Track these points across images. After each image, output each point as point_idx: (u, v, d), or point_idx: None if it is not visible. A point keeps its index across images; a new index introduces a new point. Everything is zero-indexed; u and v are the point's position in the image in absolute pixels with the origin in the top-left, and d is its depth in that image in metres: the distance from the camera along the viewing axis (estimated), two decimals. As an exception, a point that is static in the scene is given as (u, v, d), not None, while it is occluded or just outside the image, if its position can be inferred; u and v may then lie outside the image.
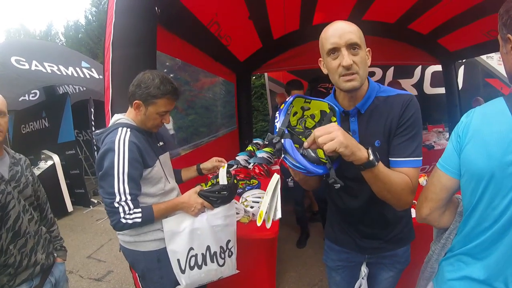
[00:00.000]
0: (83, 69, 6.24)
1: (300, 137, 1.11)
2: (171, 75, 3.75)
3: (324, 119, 1.16)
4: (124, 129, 1.47)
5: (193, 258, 1.59)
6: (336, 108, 1.16)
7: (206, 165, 1.87)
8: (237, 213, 2.21)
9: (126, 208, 1.40)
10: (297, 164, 1.00)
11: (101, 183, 1.43)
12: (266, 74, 7.16)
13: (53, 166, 5.56)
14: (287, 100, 1.11)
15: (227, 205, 1.65)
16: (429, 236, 1.31)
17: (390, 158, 1.16)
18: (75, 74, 6.01)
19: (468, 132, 0.91)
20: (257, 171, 3.43)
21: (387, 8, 3.75)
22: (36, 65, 5.56)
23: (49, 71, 5.65)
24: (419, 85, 7.07)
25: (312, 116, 1.18)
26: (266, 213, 1.57)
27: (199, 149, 3.77)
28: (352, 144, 0.96)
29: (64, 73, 5.86)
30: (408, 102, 1.15)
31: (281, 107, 1.08)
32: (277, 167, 3.76)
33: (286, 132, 1.01)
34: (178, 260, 1.57)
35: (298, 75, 6.59)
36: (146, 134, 1.58)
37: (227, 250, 1.70)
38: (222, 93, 5.16)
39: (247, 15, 3.31)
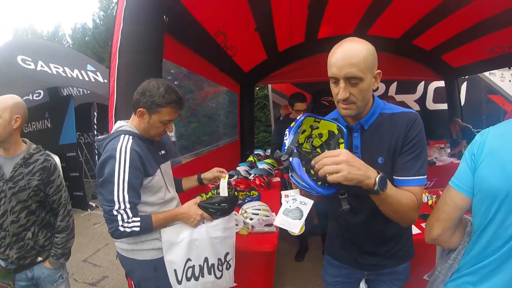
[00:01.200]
0: (88, 72, 6.26)
1: (308, 156, 1.12)
2: (175, 83, 3.79)
3: (332, 140, 1.16)
4: (126, 136, 1.46)
5: (190, 269, 1.57)
6: (345, 130, 1.16)
7: (207, 175, 1.85)
8: (236, 225, 2.20)
9: (125, 216, 1.38)
10: (303, 184, 1.00)
11: (101, 190, 1.43)
12: (269, 85, 7.22)
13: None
14: (298, 118, 1.12)
15: (226, 217, 1.64)
16: (429, 253, 1.31)
17: (395, 177, 1.16)
18: (80, 77, 6.03)
19: (483, 151, 0.92)
20: (257, 182, 3.42)
21: (392, 24, 3.79)
22: (42, 66, 5.56)
23: (55, 72, 5.66)
24: (421, 101, 7.10)
25: (320, 135, 1.18)
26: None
27: (200, 158, 3.78)
28: (359, 175, 0.95)
29: (69, 75, 5.87)
30: (413, 121, 1.16)
31: (291, 125, 1.09)
32: (278, 179, 3.76)
33: (295, 151, 1.02)
34: (175, 271, 1.55)
35: (301, 88, 6.62)
36: (148, 142, 1.57)
37: (225, 263, 1.69)
38: (225, 103, 5.18)
39: (253, 26, 3.35)
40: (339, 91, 1.10)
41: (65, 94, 7.03)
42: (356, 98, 1.11)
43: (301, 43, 4.45)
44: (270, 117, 7.93)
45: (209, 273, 1.61)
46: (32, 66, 5.39)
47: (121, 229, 1.39)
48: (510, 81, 7.74)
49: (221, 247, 1.65)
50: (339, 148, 1.13)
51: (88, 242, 4.53)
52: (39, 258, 1.73)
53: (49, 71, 5.60)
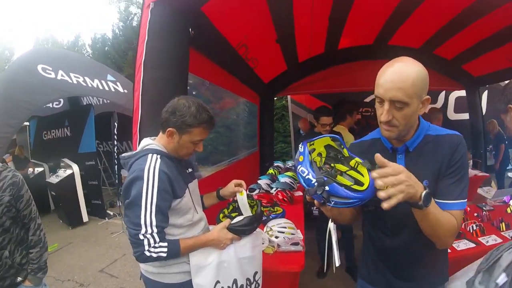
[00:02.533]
0: (108, 82, 6.34)
1: (336, 179, 1.08)
2: (194, 93, 3.81)
3: (331, 153, 1.15)
4: (155, 156, 1.40)
5: None
6: (338, 137, 1.14)
7: (225, 192, 1.77)
8: (263, 243, 2.15)
9: (152, 241, 1.33)
10: (351, 200, 0.98)
11: (127, 212, 1.37)
12: (289, 96, 7.18)
13: (71, 175, 5.65)
14: (301, 150, 1.08)
15: (254, 235, 1.60)
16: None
17: (436, 200, 1.11)
18: (100, 87, 6.11)
19: None
20: (280, 197, 3.35)
21: (413, 34, 3.75)
22: (62, 75, 5.65)
23: (75, 82, 5.75)
24: (443, 111, 6.95)
25: (319, 155, 1.16)
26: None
27: (221, 172, 3.76)
28: (413, 193, 0.93)
29: (90, 85, 5.95)
30: (459, 144, 1.14)
31: (300, 159, 1.06)
32: (300, 193, 3.70)
33: (325, 179, 0.98)
34: None
35: (322, 99, 6.58)
36: (176, 161, 1.52)
37: (254, 282, 1.64)
38: (244, 114, 5.19)
39: (274, 38, 3.34)
40: (383, 112, 1.08)
41: (85, 104, 7.18)
42: (399, 122, 1.09)
43: (321, 54, 4.42)
44: (288, 128, 7.88)
45: None
46: (53, 75, 5.49)
47: (147, 253, 1.33)
48: None
49: (250, 267, 1.61)
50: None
51: (105, 252, 4.55)
52: (19, 279, 1.72)
53: (70, 81, 5.70)
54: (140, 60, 1.91)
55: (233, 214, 1.60)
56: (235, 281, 1.55)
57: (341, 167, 1.15)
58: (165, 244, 1.36)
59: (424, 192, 0.95)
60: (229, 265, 1.54)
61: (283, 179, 3.84)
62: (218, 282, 1.52)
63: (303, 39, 3.66)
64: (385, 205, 0.89)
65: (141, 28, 1.92)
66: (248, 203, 1.66)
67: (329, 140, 1.14)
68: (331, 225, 1.18)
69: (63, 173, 5.76)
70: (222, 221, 1.57)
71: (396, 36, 3.83)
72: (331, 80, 4.91)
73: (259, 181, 3.81)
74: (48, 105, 6.60)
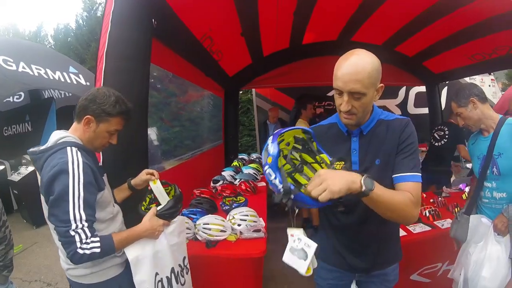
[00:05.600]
0: (71, 74, 6.11)
1: (294, 174, 1.20)
2: (158, 86, 3.75)
3: (300, 144, 1.23)
4: (74, 148, 1.34)
5: (159, 284, 1.52)
6: (311, 130, 1.21)
7: (137, 181, 1.69)
8: (225, 231, 2.20)
9: (83, 236, 1.26)
10: (309, 205, 1.04)
11: (53, 210, 1.28)
12: (253, 90, 7.19)
13: (34, 172, 5.36)
14: (268, 148, 1.07)
15: (179, 221, 1.65)
16: (414, 254, 1.38)
17: (393, 176, 1.24)
18: (62, 79, 5.87)
19: None
20: (243, 187, 3.43)
21: (375, 31, 3.84)
22: (23, 67, 5.37)
23: (36, 74, 5.49)
24: (403, 105, 7.23)
25: (287, 144, 1.23)
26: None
27: (185, 164, 3.75)
28: (344, 183, 0.98)
29: (51, 77, 5.71)
30: (406, 125, 1.27)
31: (268, 161, 1.04)
32: (263, 183, 3.77)
33: (292, 187, 1.01)
34: None
35: (285, 93, 6.68)
36: (91, 154, 1.47)
37: (184, 268, 1.69)
38: (209, 107, 5.16)
39: (239, 31, 3.35)
40: (342, 103, 1.18)
41: (46, 97, 6.85)
42: (357, 110, 1.20)
43: (286, 49, 4.46)
44: (253, 121, 7.88)
45: (177, 282, 1.60)
46: (14, 67, 5.21)
47: (80, 251, 1.25)
48: (489, 85, 7.96)
49: (179, 253, 1.65)
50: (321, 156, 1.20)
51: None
52: None
53: (31, 73, 5.43)
54: (102, 51, 1.88)
55: (152, 206, 1.60)
56: (172, 270, 1.58)
57: (307, 157, 1.24)
58: (97, 239, 1.30)
59: (362, 178, 1.02)
60: (163, 254, 1.55)
61: (246, 170, 3.92)
62: (157, 273, 1.52)
63: (268, 33, 3.69)
64: (320, 198, 0.96)
65: (105, 17, 1.89)
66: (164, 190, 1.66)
67: (299, 132, 1.20)
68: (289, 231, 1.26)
69: (25, 170, 5.51)
70: (145, 212, 1.56)
71: (359, 33, 3.90)
72: (296, 74, 4.98)
73: (223, 173, 3.86)
74: (8, 99, 6.26)
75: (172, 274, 1.57)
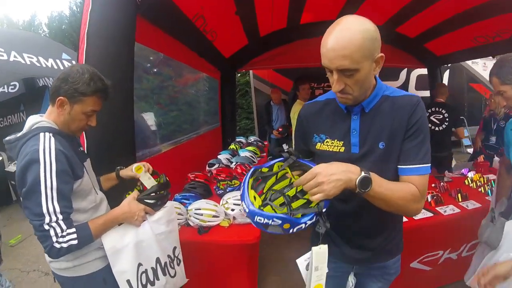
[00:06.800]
0: (64, 61, 5.99)
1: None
2: (155, 70, 3.65)
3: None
4: (47, 134, 1.24)
5: (143, 275, 1.42)
6: (294, 157, 1.09)
7: (128, 171, 1.61)
8: (218, 216, 2.12)
9: (58, 230, 1.19)
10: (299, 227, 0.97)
11: (26, 203, 1.20)
12: (251, 71, 7.07)
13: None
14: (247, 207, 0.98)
15: (167, 209, 1.53)
16: (415, 241, 1.28)
17: (398, 166, 1.09)
18: (55, 66, 5.76)
19: None
20: (239, 171, 3.32)
21: (376, 10, 3.71)
22: (15, 56, 5.27)
23: (28, 63, 5.39)
24: (404, 88, 7.09)
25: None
26: None
27: (180, 147, 3.63)
28: (341, 185, 0.90)
29: (44, 65, 5.59)
30: (416, 105, 1.08)
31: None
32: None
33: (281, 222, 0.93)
34: (128, 281, 1.38)
35: (283, 74, 6.58)
36: (69, 138, 1.36)
37: (175, 258, 1.59)
38: (205, 90, 5.05)
39: (233, 10, 3.21)
40: (334, 82, 1.01)
41: (41, 85, 6.77)
42: (352, 89, 1.03)
43: (283, 28, 4.32)
44: (252, 104, 7.75)
45: (164, 274, 1.49)
46: (5, 57, 5.12)
47: (57, 246, 1.18)
48: None
49: (168, 243, 1.54)
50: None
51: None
52: None
53: (23, 62, 5.33)
54: (84, 30, 1.79)
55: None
56: (158, 260, 1.47)
57: (292, 192, 1.16)
58: (73, 230, 1.22)
59: (359, 178, 0.92)
60: (148, 244, 1.44)
61: (243, 153, 3.84)
62: (140, 264, 1.42)
63: (264, 12, 3.56)
64: (313, 198, 0.91)
65: (86, -4, 1.78)
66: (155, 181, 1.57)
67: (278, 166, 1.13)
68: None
69: (21, 162, 5.45)
70: None
71: (359, 12, 3.74)
72: (294, 55, 4.84)
73: (219, 156, 3.77)
74: (3, 89, 6.18)
75: (158, 265, 1.46)
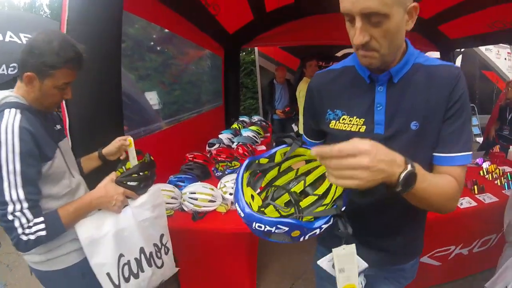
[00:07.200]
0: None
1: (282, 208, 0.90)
2: (158, 48, 3.45)
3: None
4: (13, 110, 1.08)
5: (126, 267, 1.25)
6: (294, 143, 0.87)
7: (110, 148, 1.43)
8: (214, 201, 1.95)
9: (24, 220, 1.04)
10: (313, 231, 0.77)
11: None
12: (256, 49, 6.79)
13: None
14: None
15: (152, 192, 1.34)
16: (426, 236, 1.09)
17: (435, 154, 0.88)
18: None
19: None
20: (240, 151, 3.11)
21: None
22: (11, 36, 5.11)
23: (25, 42, 5.23)
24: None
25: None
26: None
27: (182, 124, 3.45)
28: (382, 178, 0.66)
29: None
30: (458, 77, 0.86)
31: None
32: (263, 147, 3.49)
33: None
34: (109, 274, 1.21)
35: (290, 52, 6.35)
36: (41, 115, 1.19)
37: (163, 247, 1.41)
38: (208, 67, 4.88)
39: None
40: (356, 33, 0.77)
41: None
42: (379, 43, 0.78)
43: (291, 4, 4.07)
44: (257, 83, 7.44)
45: (149, 265, 1.31)
46: (0, 38, 4.97)
47: (24, 238, 1.03)
48: (505, 59, 7.58)
49: (154, 230, 1.35)
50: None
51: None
52: None
53: (19, 41, 5.16)
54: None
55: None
56: (142, 250, 1.29)
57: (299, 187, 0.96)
58: (41, 219, 1.07)
59: (403, 174, 0.68)
60: (130, 233, 1.26)
61: (246, 133, 3.64)
62: (122, 255, 1.24)
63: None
64: (340, 182, 0.65)
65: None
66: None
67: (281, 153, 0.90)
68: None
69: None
70: None
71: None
72: (301, 32, 4.61)
73: (220, 136, 3.58)
74: (2, 72, 6.02)
75: (143, 256, 1.29)
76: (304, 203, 0.92)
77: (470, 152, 0.86)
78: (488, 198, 2.23)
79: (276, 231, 0.71)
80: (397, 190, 0.69)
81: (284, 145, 0.87)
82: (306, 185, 0.95)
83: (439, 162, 0.87)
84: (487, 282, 1.90)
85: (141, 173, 1.28)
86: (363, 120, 0.91)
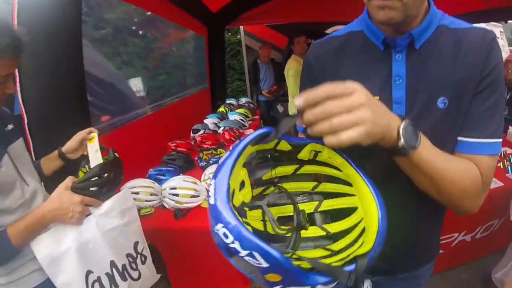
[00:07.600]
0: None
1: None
2: (140, 32, 3.35)
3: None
4: None
5: (96, 284, 1.09)
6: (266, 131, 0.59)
7: (70, 145, 1.22)
8: (197, 196, 1.79)
9: None
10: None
11: None
12: (242, 28, 6.49)
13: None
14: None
15: (120, 195, 1.15)
16: None
17: (458, 138, 0.69)
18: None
19: None
20: (227, 137, 2.89)
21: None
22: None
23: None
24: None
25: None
26: None
27: (164, 110, 3.22)
28: (384, 125, 0.52)
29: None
30: (493, 43, 0.66)
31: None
32: (252, 131, 3.30)
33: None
34: None
35: (277, 30, 6.11)
36: None
37: (139, 256, 1.24)
38: (192, 49, 4.64)
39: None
40: None
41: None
42: None
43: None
44: (243, 64, 7.13)
45: (124, 279, 1.15)
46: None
47: None
48: (498, 38, 7.52)
49: (125, 239, 1.18)
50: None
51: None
52: None
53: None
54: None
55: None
56: (113, 264, 1.12)
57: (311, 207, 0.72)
58: None
59: (402, 125, 0.55)
60: (95, 245, 1.09)
61: (232, 116, 3.43)
62: (90, 272, 1.07)
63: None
64: (338, 138, 0.47)
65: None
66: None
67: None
68: None
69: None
70: None
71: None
72: (288, 9, 4.36)
73: (205, 121, 3.35)
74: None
75: (115, 270, 1.13)
76: (306, 233, 0.68)
77: (500, 140, 0.67)
78: (493, 183, 2.08)
79: (246, 258, 0.47)
80: (400, 147, 0.54)
81: (319, 142, 0.61)
82: (318, 210, 0.72)
83: (463, 149, 0.68)
84: (491, 266, 1.84)
85: (103, 175, 1.08)
86: (378, 97, 0.70)
